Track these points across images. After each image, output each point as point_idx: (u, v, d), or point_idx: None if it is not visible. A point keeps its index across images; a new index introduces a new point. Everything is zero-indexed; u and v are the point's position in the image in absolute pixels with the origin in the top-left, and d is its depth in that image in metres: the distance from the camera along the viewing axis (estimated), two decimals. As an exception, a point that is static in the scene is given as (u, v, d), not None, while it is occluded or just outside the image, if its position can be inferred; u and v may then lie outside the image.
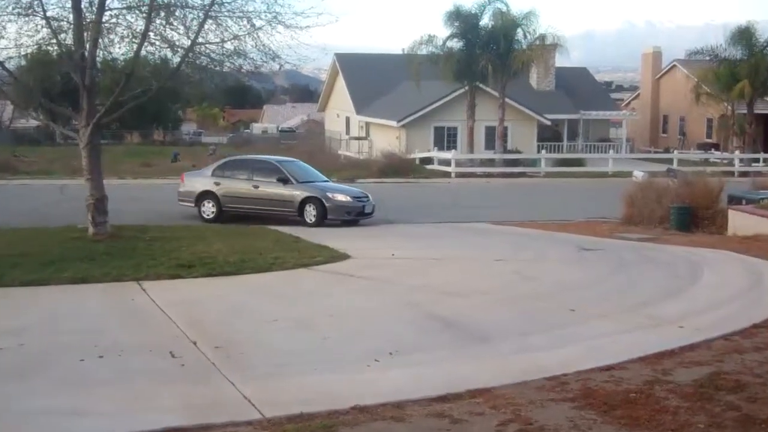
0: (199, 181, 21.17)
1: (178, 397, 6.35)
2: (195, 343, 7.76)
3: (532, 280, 11.49)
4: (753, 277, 11.51)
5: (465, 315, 9.05)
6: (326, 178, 22.20)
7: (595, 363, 7.10)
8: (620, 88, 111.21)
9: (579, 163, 42.17)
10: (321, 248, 13.74)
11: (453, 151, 40.60)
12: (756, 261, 12.92)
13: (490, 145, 43.12)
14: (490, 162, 41.05)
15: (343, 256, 13.02)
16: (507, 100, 42.74)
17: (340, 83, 57.59)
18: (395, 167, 36.45)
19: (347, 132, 56.92)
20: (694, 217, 20.20)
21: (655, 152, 55.07)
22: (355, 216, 19.86)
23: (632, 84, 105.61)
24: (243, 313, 9.18)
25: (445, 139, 45.35)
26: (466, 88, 42.29)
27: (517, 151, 43.12)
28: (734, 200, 20.95)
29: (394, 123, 45.28)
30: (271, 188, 20.35)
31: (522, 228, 18.89)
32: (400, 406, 6.10)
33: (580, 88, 55.75)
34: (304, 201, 19.76)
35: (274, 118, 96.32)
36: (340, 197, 19.87)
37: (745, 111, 45.11)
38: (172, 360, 7.28)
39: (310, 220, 19.50)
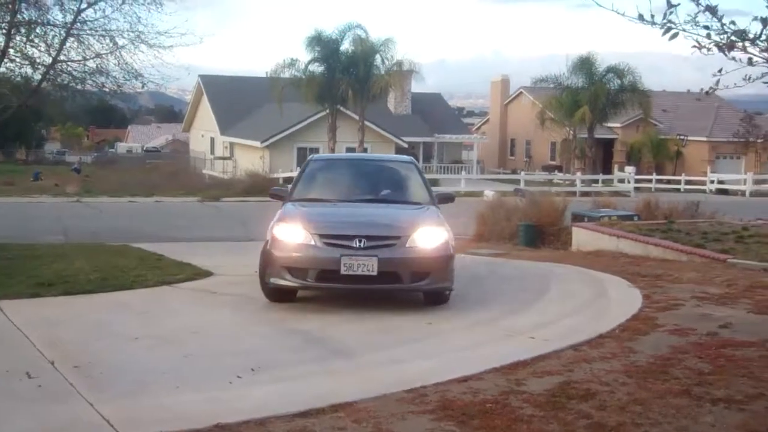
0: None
1: (33, 417, 5.92)
2: (53, 363, 7.29)
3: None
4: (597, 289, 11.72)
5: (327, 331, 8.85)
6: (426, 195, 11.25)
7: (452, 375, 7.02)
8: (472, 114, 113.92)
9: (433, 183, 42.66)
10: (183, 266, 13.31)
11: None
12: (599, 274, 13.19)
13: (350, 165, 43.19)
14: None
15: (205, 274, 12.64)
16: (366, 122, 42.98)
17: (205, 104, 56.78)
18: (259, 186, 35.95)
19: (212, 152, 56.11)
20: (540, 233, 20.69)
21: (504, 173, 56.46)
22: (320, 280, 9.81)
23: (482, 110, 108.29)
24: (103, 332, 8.71)
25: (308, 159, 45.30)
26: (328, 110, 42.34)
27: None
28: (577, 218, 21.58)
29: (257, 143, 44.95)
30: None
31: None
32: (263, 423, 5.85)
33: (435, 112, 56.62)
34: None
35: (139, 138, 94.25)
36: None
37: (586, 136, 46.72)
38: (28, 381, 6.81)
39: None
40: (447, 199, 11.59)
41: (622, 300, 10.76)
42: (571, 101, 44.17)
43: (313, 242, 9.76)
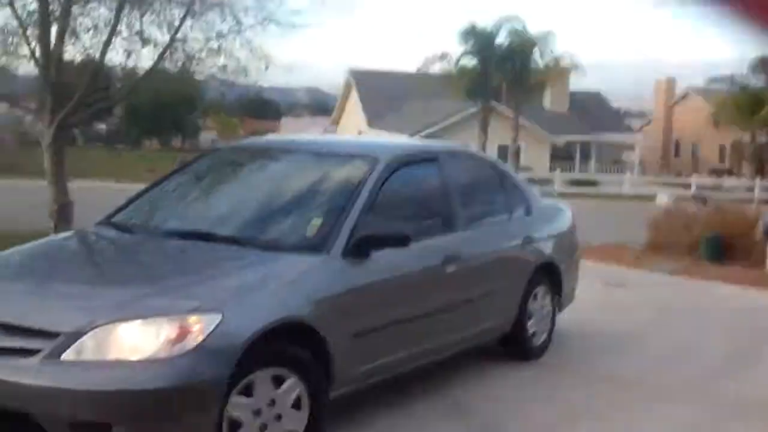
0: None
1: None
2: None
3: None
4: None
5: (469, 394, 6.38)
6: None
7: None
8: (629, 114, 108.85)
9: (592, 183, 39.83)
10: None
11: (464, 169, 38.44)
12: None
13: (502, 163, 41.08)
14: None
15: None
16: (520, 119, 40.64)
17: (353, 98, 56.02)
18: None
19: (359, 147, 54.81)
20: (726, 247, 17.59)
21: (666, 176, 52.84)
22: None
23: (641, 111, 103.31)
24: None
25: (458, 157, 43.50)
26: (479, 106, 40.33)
27: (528, 168, 40.84)
28: (768, 230, 18.32)
29: (405, 139, 43.10)
30: None
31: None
32: None
33: (594, 111, 53.76)
34: None
35: (291, 131, 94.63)
36: None
37: (766, 138, 43.32)
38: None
39: None
40: (384, 241, 5.17)
41: None
42: (750, 101, 40.45)
43: None
